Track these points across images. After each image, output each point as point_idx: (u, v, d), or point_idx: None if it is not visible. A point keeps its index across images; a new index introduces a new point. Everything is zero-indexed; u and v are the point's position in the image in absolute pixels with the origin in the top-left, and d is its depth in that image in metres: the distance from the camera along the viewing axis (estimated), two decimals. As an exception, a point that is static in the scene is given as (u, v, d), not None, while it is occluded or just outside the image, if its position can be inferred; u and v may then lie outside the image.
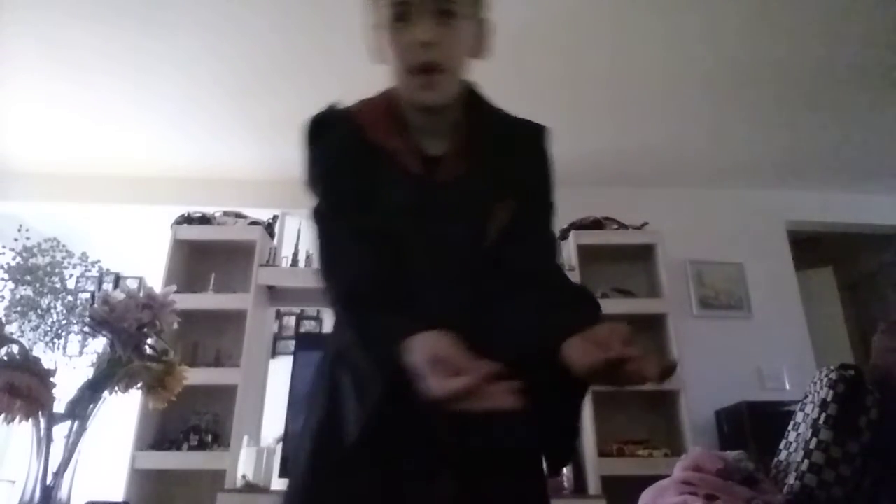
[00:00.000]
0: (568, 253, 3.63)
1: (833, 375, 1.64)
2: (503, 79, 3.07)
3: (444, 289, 0.95)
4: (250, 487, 2.90)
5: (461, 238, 0.98)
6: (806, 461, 1.58)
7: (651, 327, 3.58)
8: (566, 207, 3.72)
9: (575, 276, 3.48)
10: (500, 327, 0.92)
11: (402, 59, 0.96)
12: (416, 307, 0.87)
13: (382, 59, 1.00)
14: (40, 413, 1.20)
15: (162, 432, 3.28)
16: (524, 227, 1.00)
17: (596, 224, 3.67)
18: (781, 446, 1.78)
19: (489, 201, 0.99)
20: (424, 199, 0.97)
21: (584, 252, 3.57)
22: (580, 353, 0.77)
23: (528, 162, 1.08)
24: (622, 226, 3.69)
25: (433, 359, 0.73)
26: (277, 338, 4.50)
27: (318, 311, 4.89)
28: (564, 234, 3.68)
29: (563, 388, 0.85)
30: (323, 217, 1.00)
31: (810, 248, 4.37)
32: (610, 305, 3.48)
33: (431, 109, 1.00)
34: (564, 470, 2.94)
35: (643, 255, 3.72)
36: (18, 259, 1.38)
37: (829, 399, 1.60)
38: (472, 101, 1.06)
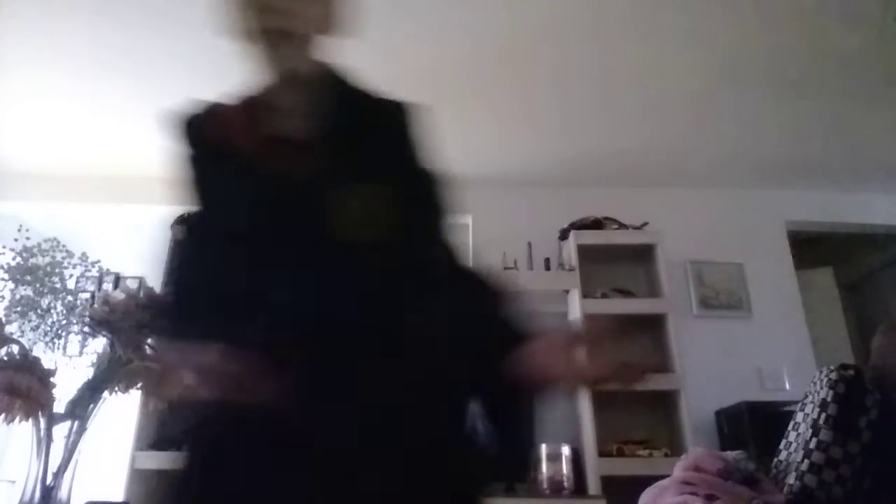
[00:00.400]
0: (568, 253, 3.63)
1: (833, 375, 1.64)
2: (501, 78, 3.09)
3: (312, 286, 0.90)
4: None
5: (326, 230, 0.92)
6: (806, 461, 1.58)
7: (651, 327, 3.58)
8: (566, 207, 3.78)
9: (574, 276, 3.48)
10: (417, 333, 0.90)
11: (250, 27, 0.93)
12: (272, 310, 0.87)
13: (236, 36, 0.98)
14: (40, 413, 1.20)
15: (162, 432, 3.28)
16: (404, 209, 0.95)
17: (596, 224, 3.67)
18: (781, 446, 1.78)
19: (358, 187, 0.93)
20: (286, 194, 0.93)
21: (584, 252, 3.57)
22: (553, 364, 0.77)
23: (398, 139, 1.02)
24: (622, 226, 3.69)
25: (200, 366, 0.75)
26: (277, 338, 4.51)
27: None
28: (564, 234, 3.68)
29: (507, 397, 0.86)
30: (183, 221, 1.04)
31: (810, 248, 4.36)
32: (610, 305, 3.48)
33: (288, 83, 0.97)
34: (555, 473, 2.94)
35: (643, 254, 3.72)
36: (18, 259, 1.38)
37: (829, 399, 1.61)
38: (336, 81, 1.02)
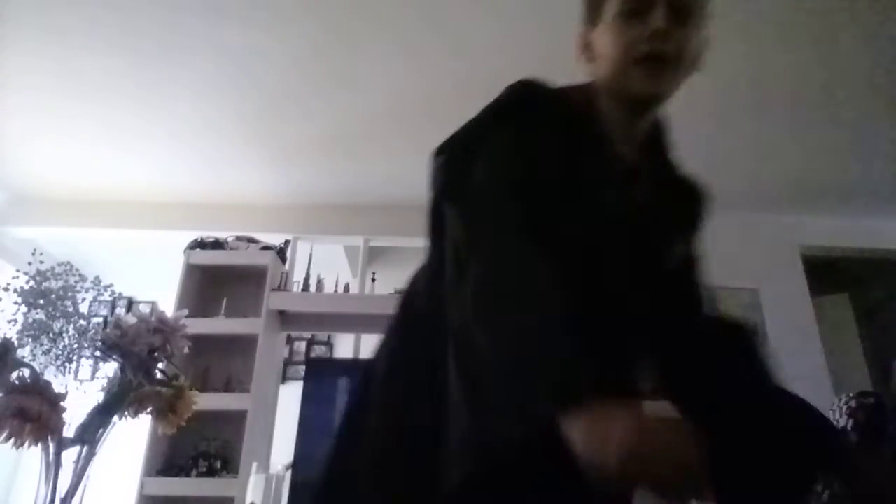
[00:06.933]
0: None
1: (853, 403, 1.61)
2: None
3: (640, 318, 0.91)
4: (259, 515, 2.86)
5: (655, 261, 0.95)
6: (827, 492, 1.54)
7: (665, 353, 3.53)
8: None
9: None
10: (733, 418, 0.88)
11: (628, 51, 0.90)
12: (608, 340, 0.78)
13: (590, 57, 0.97)
14: (50, 437, 1.20)
15: (171, 458, 3.26)
16: (693, 270, 1.07)
17: (608, 249, 3.64)
18: (801, 476, 1.74)
19: (675, 231, 1.01)
20: (631, 210, 0.92)
21: (596, 277, 3.54)
22: None
23: (699, 214, 1.14)
24: (634, 251, 3.67)
25: (634, 449, 0.60)
26: (288, 363, 4.49)
27: (329, 337, 4.88)
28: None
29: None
30: (504, 217, 0.81)
31: (825, 273, 4.32)
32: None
33: (634, 110, 0.95)
34: None
35: (656, 280, 3.69)
36: (32, 283, 1.39)
37: (849, 427, 1.57)
38: (658, 134, 1.03)
